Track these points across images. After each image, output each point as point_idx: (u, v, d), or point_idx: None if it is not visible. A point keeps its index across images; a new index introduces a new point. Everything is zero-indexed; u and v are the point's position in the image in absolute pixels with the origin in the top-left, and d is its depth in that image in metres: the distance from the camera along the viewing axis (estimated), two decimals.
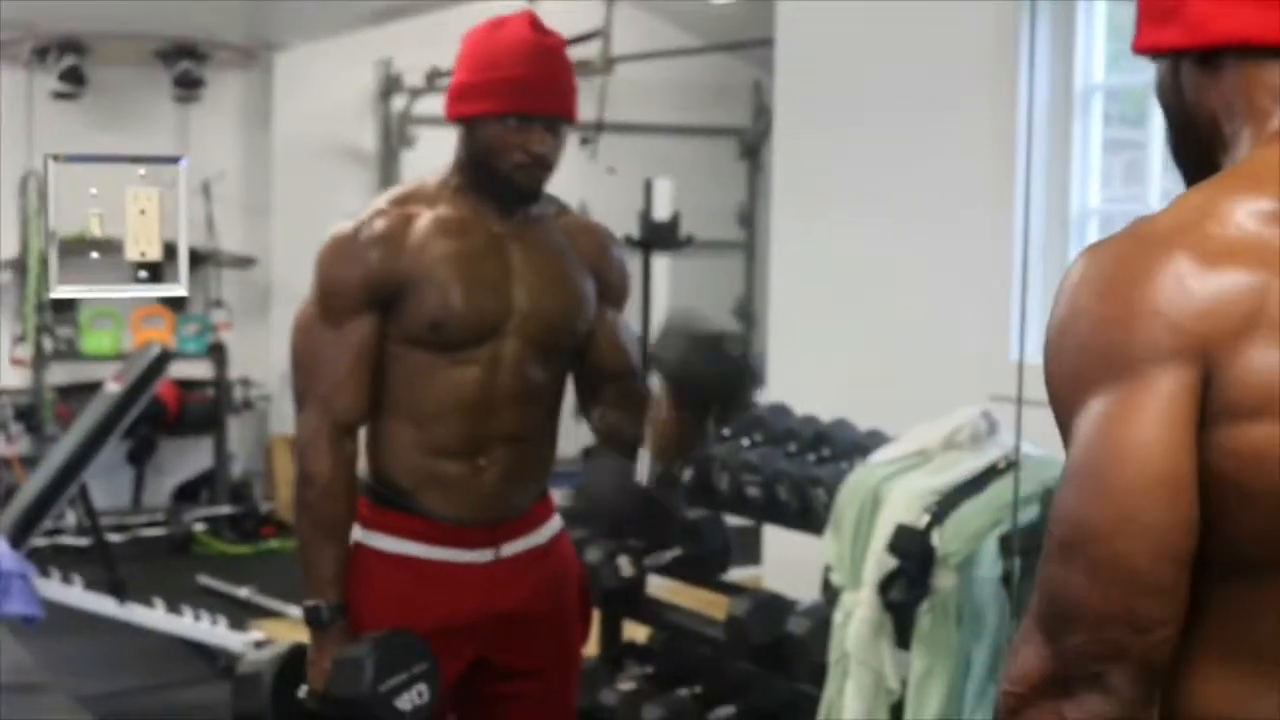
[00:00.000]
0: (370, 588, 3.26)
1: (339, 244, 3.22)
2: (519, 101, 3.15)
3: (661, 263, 8.00)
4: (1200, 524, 1.54)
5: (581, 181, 8.81)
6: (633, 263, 7.80)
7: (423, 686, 3.15)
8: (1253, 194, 1.57)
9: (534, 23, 3.23)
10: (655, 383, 3.13)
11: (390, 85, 10.37)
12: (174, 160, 2.95)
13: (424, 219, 3.22)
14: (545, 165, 3.21)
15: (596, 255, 3.40)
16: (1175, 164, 1.79)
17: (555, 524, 3.42)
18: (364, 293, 3.18)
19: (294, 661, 3.27)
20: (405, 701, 3.13)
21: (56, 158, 2.80)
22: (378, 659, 3.11)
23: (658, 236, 8.42)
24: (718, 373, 3.07)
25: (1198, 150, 1.73)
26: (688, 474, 4.97)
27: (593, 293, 3.37)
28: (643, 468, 3.13)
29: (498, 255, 3.24)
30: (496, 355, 3.21)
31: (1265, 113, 1.65)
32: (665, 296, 7.98)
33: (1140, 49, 1.76)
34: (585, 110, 10.53)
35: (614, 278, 3.43)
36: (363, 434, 3.30)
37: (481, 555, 3.28)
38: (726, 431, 5.13)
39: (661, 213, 8.50)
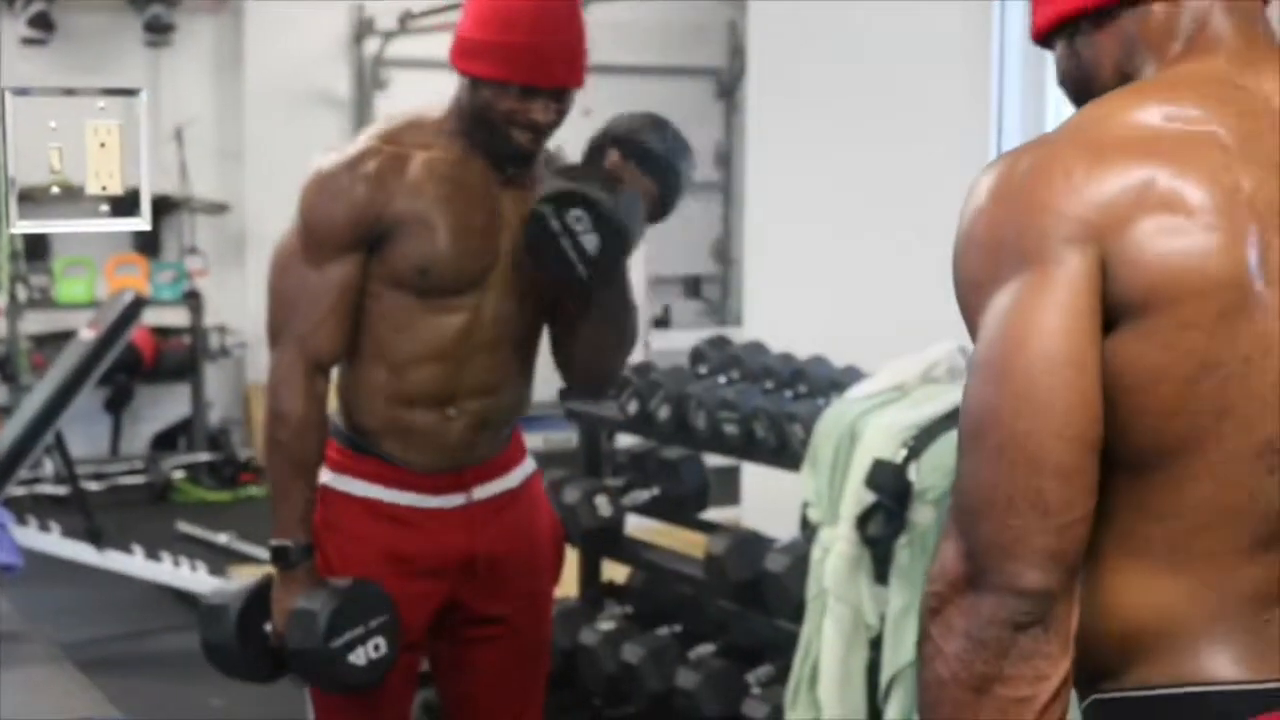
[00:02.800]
0: (339, 531, 3.26)
1: (326, 179, 3.15)
2: (528, 73, 3.05)
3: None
4: (1105, 417, 1.56)
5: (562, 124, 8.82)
6: None
7: (380, 640, 3.13)
8: (1149, 99, 1.63)
9: None
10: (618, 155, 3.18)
11: (363, 28, 10.35)
12: (133, 92, 2.91)
13: (416, 160, 3.16)
14: (546, 133, 3.16)
15: None
16: None
17: (528, 466, 3.41)
18: (350, 231, 3.13)
19: (262, 595, 3.25)
20: (359, 656, 3.12)
21: (15, 92, 2.77)
22: (332, 612, 3.09)
23: None
24: (666, 146, 3.21)
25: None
26: (665, 411, 4.97)
27: None
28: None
29: (488, 203, 3.19)
30: (478, 304, 3.19)
31: (1164, 40, 1.70)
32: (643, 239, 7.99)
33: (1041, 28, 1.82)
34: None
35: None
36: (335, 375, 3.28)
37: (452, 499, 3.27)
38: (703, 368, 5.13)
39: None
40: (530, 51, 3.06)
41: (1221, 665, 1.59)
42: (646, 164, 3.17)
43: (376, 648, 3.13)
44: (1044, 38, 1.83)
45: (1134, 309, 1.55)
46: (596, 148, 3.23)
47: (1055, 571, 1.55)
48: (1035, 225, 1.56)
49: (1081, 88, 1.79)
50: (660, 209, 3.24)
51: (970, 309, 1.63)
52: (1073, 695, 1.64)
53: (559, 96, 3.12)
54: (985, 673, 1.57)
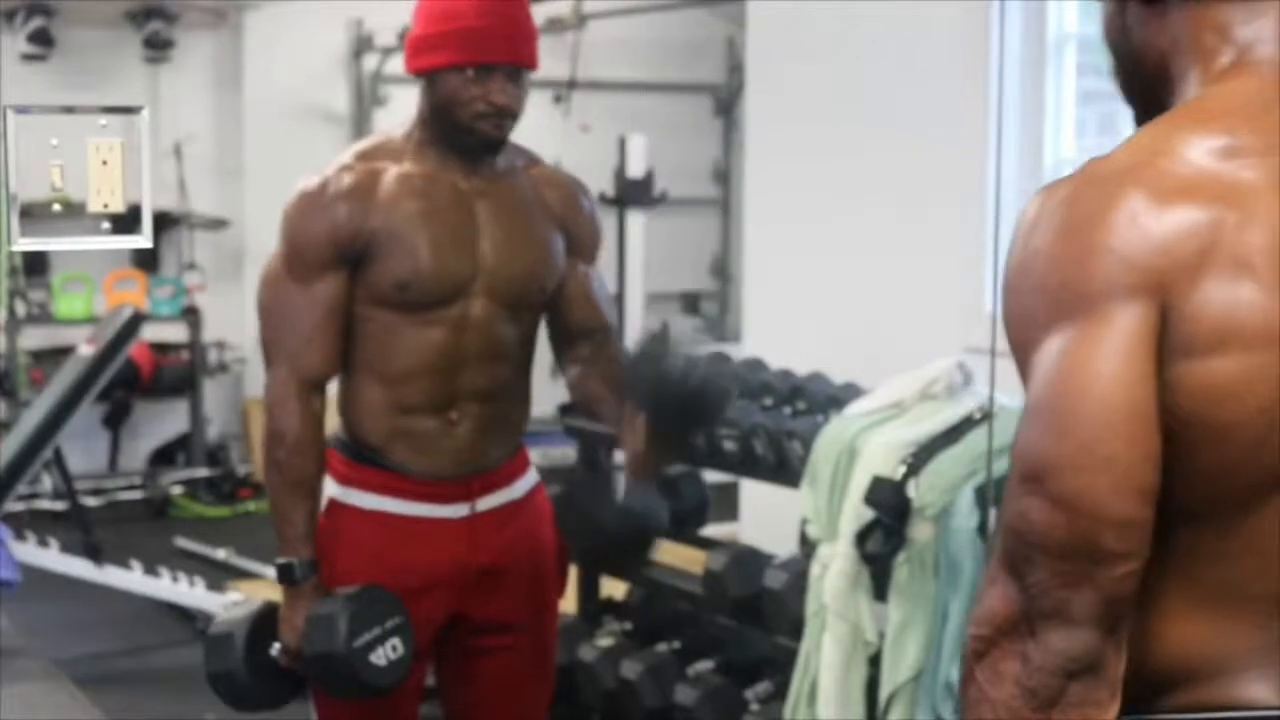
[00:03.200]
0: (347, 544, 3.25)
1: (306, 199, 3.19)
2: (477, 52, 3.11)
3: (636, 220, 8.02)
4: (1164, 464, 1.54)
5: (555, 139, 8.82)
6: (607, 220, 7.79)
7: (396, 641, 3.14)
8: (1204, 130, 1.58)
9: None
10: (630, 405, 3.12)
11: (361, 45, 10.35)
12: (134, 110, 2.92)
13: (390, 175, 3.19)
14: (508, 114, 3.17)
15: (566, 207, 3.37)
16: (1124, 102, 1.79)
17: (531, 478, 3.40)
18: (332, 249, 3.15)
19: (266, 620, 3.25)
20: (380, 657, 3.12)
21: (17, 110, 2.77)
22: (350, 615, 3.10)
23: (632, 194, 8.45)
24: (690, 396, 3.08)
25: (1144, 89, 1.73)
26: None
27: (561, 247, 3.34)
28: (619, 484, 3.13)
29: (463, 212, 3.21)
30: (464, 315, 3.19)
31: (1212, 50, 1.66)
32: (641, 254, 7.99)
33: None
34: (558, 67, 10.59)
35: (584, 230, 3.40)
36: (335, 391, 3.28)
37: (457, 510, 3.26)
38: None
39: (636, 170, 8.53)
40: (478, 33, 3.12)
41: (1262, 692, 1.59)
42: (675, 422, 3.15)
43: (394, 648, 3.14)
44: None
45: (1199, 361, 1.52)
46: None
47: (1109, 618, 1.54)
48: (1098, 271, 1.52)
49: (1125, 62, 1.76)
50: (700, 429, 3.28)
51: (1023, 348, 1.59)
52: None
53: (513, 76, 3.15)
54: None
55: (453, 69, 3.12)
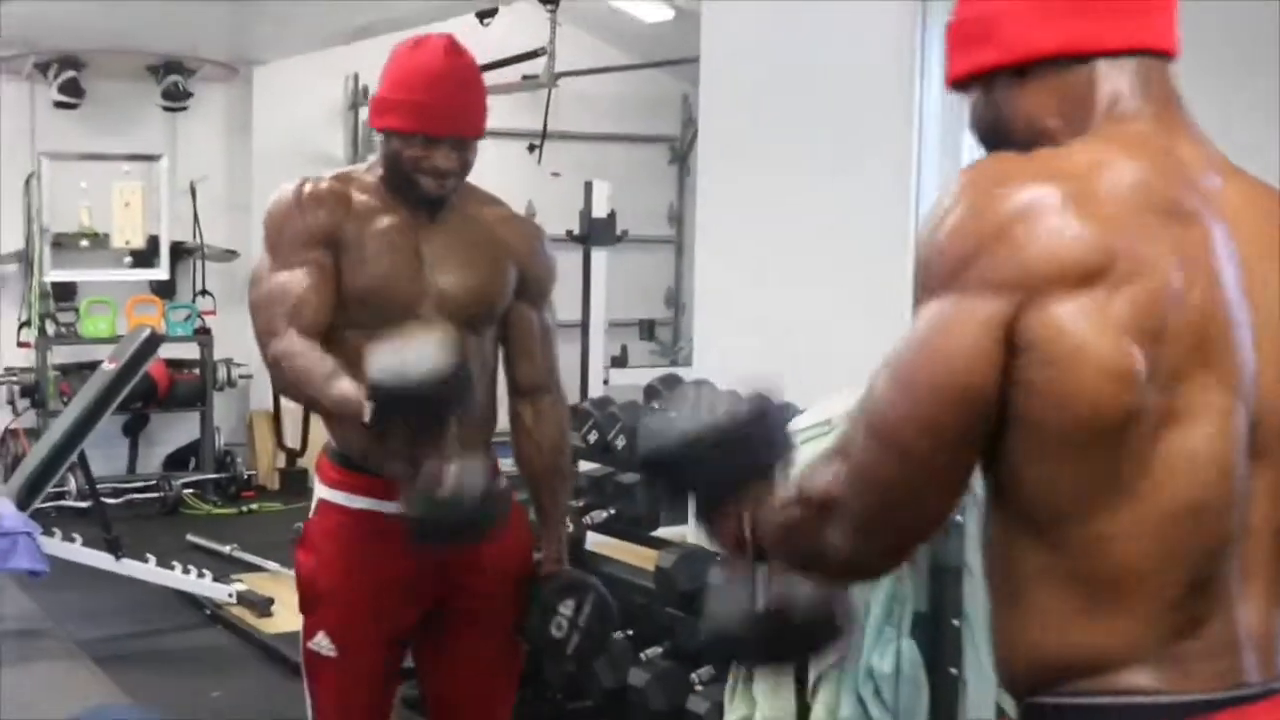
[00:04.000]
0: (336, 540, 3.24)
1: (284, 200, 3.18)
2: (425, 124, 3.11)
3: (600, 256, 8.03)
4: (1022, 474, 1.58)
5: (529, 184, 8.83)
6: (574, 256, 7.87)
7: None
8: (1124, 159, 1.61)
9: (449, 46, 3.18)
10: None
11: (357, 97, 10.34)
12: (154, 158, 2.94)
13: (357, 197, 3.19)
14: (451, 175, 3.16)
15: (524, 248, 3.34)
16: None
17: (502, 481, 3.37)
18: (310, 235, 3.13)
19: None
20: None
21: (50, 156, 2.78)
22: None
23: (596, 233, 8.46)
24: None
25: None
26: (621, 441, 4.98)
27: (511, 277, 3.29)
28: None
29: (410, 244, 3.18)
30: None
31: (1085, 106, 1.69)
32: (603, 286, 8.00)
33: (957, 76, 1.79)
34: (532, 120, 10.55)
35: (538, 272, 3.36)
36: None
37: None
38: (655, 403, 5.13)
39: (600, 211, 8.54)
40: (430, 107, 3.11)
41: (1146, 681, 1.60)
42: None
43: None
44: (961, 85, 1.80)
45: (1041, 359, 1.54)
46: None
47: (902, 563, 1.65)
48: (987, 258, 1.55)
49: (995, 137, 1.77)
50: None
51: (918, 289, 1.62)
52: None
53: (459, 145, 3.15)
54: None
55: (403, 134, 3.14)
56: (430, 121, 3.12)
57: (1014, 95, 1.73)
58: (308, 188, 3.19)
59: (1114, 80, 1.68)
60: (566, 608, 3.36)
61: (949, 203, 1.60)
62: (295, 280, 3.12)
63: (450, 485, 2.90)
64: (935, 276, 1.59)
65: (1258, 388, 1.60)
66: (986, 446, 1.60)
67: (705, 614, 2.09)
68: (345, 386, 2.95)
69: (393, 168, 3.19)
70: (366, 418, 2.89)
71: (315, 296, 3.11)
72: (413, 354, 2.86)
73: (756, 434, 1.88)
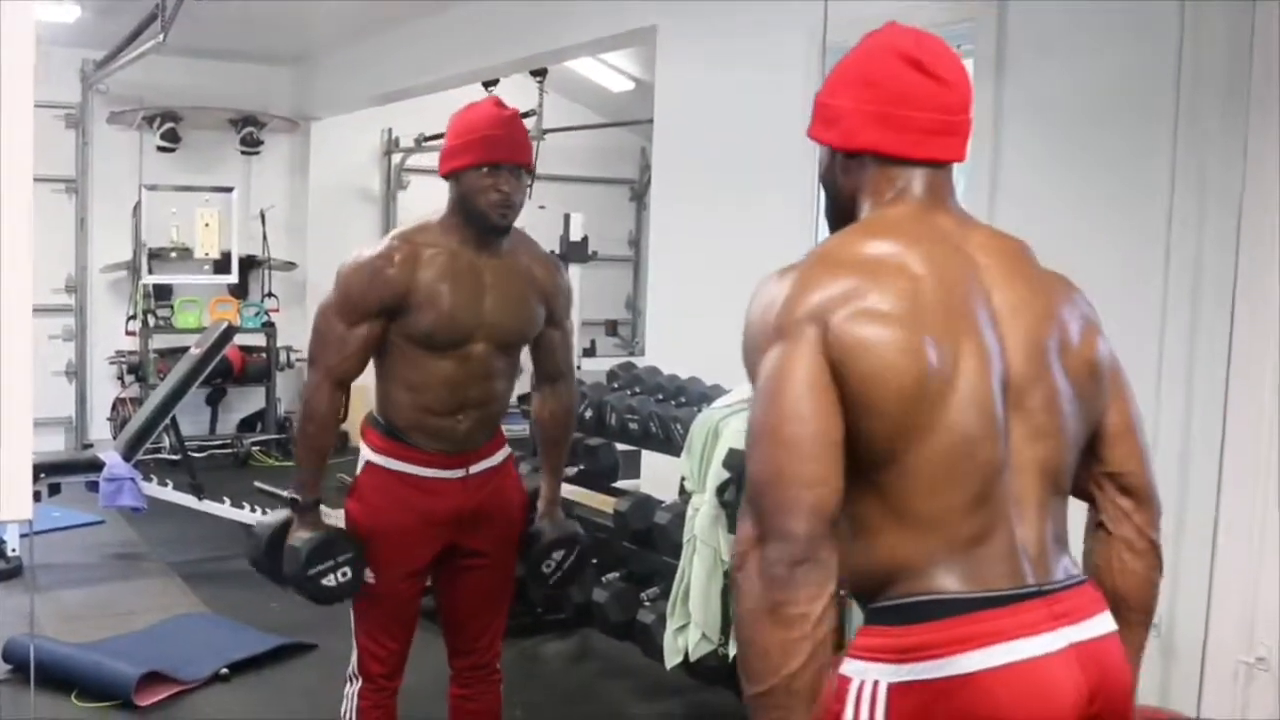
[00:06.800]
0: (381, 493, 3.21)
1: (364, 264, 3.10)
2: (489, 154, 3.06)
3: (575, 270, 8.04)
4: (855, 433, 1.65)
5: (522, 216, 8.79)
6: None
7: (347, 570, 3.14)
8: (866, 236, 1.76)
9: (498, 101, 3.16)
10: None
11: (391, 146, 10.31)
12: (228, 189, 2.92)
13: (426, 253, 3.11)
14: (511, 204, 3.11)
15: (548, 283, 3.30)
16: (827, 220, 1.94)
17: (506, 450, 3.36)
18: (377, 304, 3.08)
19: (285, 527, 3.23)
20: (331, 580, 3.13)
21: (148, 187, 2.74)
22: (309, 551, 3.12)
23: (573, 252, 8.47)
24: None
25: (841, 212, 1.88)
26: (589, 413, 4.96)
27: (542, 311, 3.28)
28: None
29: (474, 278, 3.13)
30: (469, 353, 3.13)
31: (881, 192, 1.82)
32: (578, 293, 7.97)
33: (813, 137, 1.90)
34: None
35: (559, 303, 3.34)
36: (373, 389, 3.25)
37: (456, 473, 3.22)
38: (616, 384, 5.12)
39: (576, 236, 8.56)
40: (490, 139, 3.08)
41: (949, 582, 1.67)
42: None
43: (344, 575, 3.14)
44: (816, 140, 1.90)
45: (848, 361, 1.64)
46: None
47: (816, 522, 1.61)
48: (790, 311, 1.68)
49: (831, 193, 1.90)
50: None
51: (751, 360, 1.72)
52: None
53: (515, 172, 3.10)
54: (776, 599, 1.60)
55: (472, 168, 3.08)
56: (494, 152, 3.07)
57: (841, 168, 1.86)
58: (379, 262, 3.09)
59: (908, 177, 1.82)
60: (557, 555, 3.46)
61: (757, 300, 1.74)
62: (349, 341, 3.10)
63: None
64: (764, 337, 1.70)
65: (1004, 355, 1.71)
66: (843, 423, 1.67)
67: None
68: (310, 475, 3.18)
69: (462, 205, 3.11)
70: (289, 506, 3.20)
71: (354, 359, 3.11)
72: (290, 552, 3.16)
73: None
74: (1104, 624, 1.74)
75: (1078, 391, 1.78)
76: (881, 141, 1.80)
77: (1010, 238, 1.85)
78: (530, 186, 3.39)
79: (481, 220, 3.11)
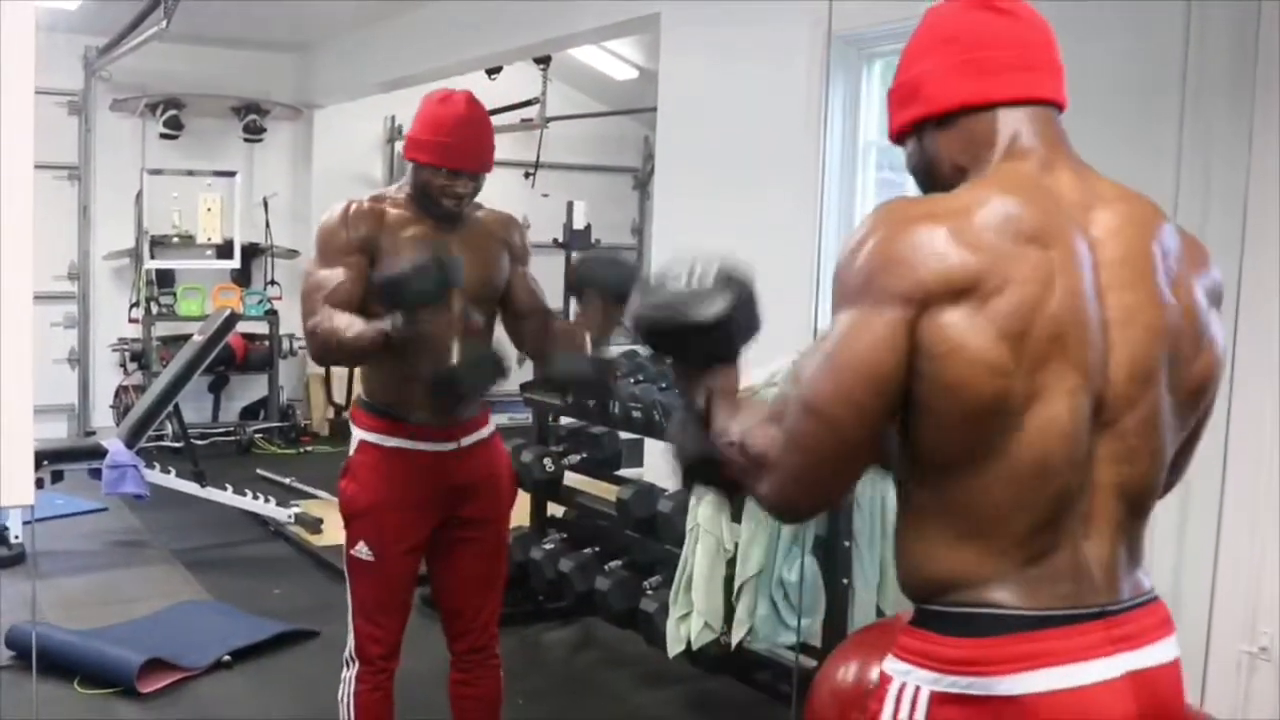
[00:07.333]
0: (374, 470, 3.25)
1: (332, 217, 3.20)
2: (449, 160, 3.14)
3: (578, 259, 8.00)
4: (916, 433, 1.59)
5: (524, 203, 8.74)
6: (559, 259, 7.85)
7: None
8: (989, 200, 1.60)
9: (469, 100, 3.20)
10: (583, 292, 3.14)
11: (393, 133, 10.28)
12: (231, 174, 2.91)
13: (390, 213, 3.21)
14: (466, 200, 3.19)
15: (506, 232, 3.35)
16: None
17: (492, 425, 3.40)
18: (352, 244, 3.14)
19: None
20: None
21: (150, 172, 2.73)
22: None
23: (576, 240, 8.44)
24: (618, 274, 3.09)
25: (943, 187, 1.72)
26: (593, 401, 4.96)
27: (507, 259, 3.33)
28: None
29: (437, 235, 3.19)
30: (444, 309, 3.11)
31: (986, 147, 1.68)
32: None
33: (896, 132, 1.78)
34: (527, 153, 10.47)
35: (518, 244, 3.37)
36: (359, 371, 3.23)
37: (447, 445, 3.25)
38: (619, 372, 5.11)
39: (579, 224, 8.53)
40: (453, 148, 3.14)
41: (1006, 596, 1.60)
42: (606, 294, 3.11)
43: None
44: (899, 138, 1.79)
45: (932, 356, 1.55)
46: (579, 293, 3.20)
47: (823, 504, 1.63)
48: (892, 275, 1.55)
49: (927, 176, 1.76)
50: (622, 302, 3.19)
51: (836, 302, 1.61)
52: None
53: (474, 177, 3.19)
54: (763, 504, 1.67)
55: (430, 167, 3.16)
56: (453, 159, 3.15)
57: (936, 140, 1.72)
58: (352, 208, 3.20)
59: (1011, 124, 1.68)
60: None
61: (860, 234, 1.59)
62: (334, 274, 3.13)
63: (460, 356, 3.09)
64: (849, 289, 1.58)
65: (1105, 372, 1.59)
66: (901, 418, 1.60)
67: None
68: (365, 325, 3.02)
69: (420, 191, 3.21)
70: (389, 328, 2.96)
71: (349, 285, 3.12)
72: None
73: (739, 318, 1.83)
74: (1165, 651, 1.68)
75: (1180, 410, 1.67)
76: (972, 91, 1.69)
77: (1139, 201, 1.70)
78: (532, 176, 3.39)
79: (434, 207, 3.21)
